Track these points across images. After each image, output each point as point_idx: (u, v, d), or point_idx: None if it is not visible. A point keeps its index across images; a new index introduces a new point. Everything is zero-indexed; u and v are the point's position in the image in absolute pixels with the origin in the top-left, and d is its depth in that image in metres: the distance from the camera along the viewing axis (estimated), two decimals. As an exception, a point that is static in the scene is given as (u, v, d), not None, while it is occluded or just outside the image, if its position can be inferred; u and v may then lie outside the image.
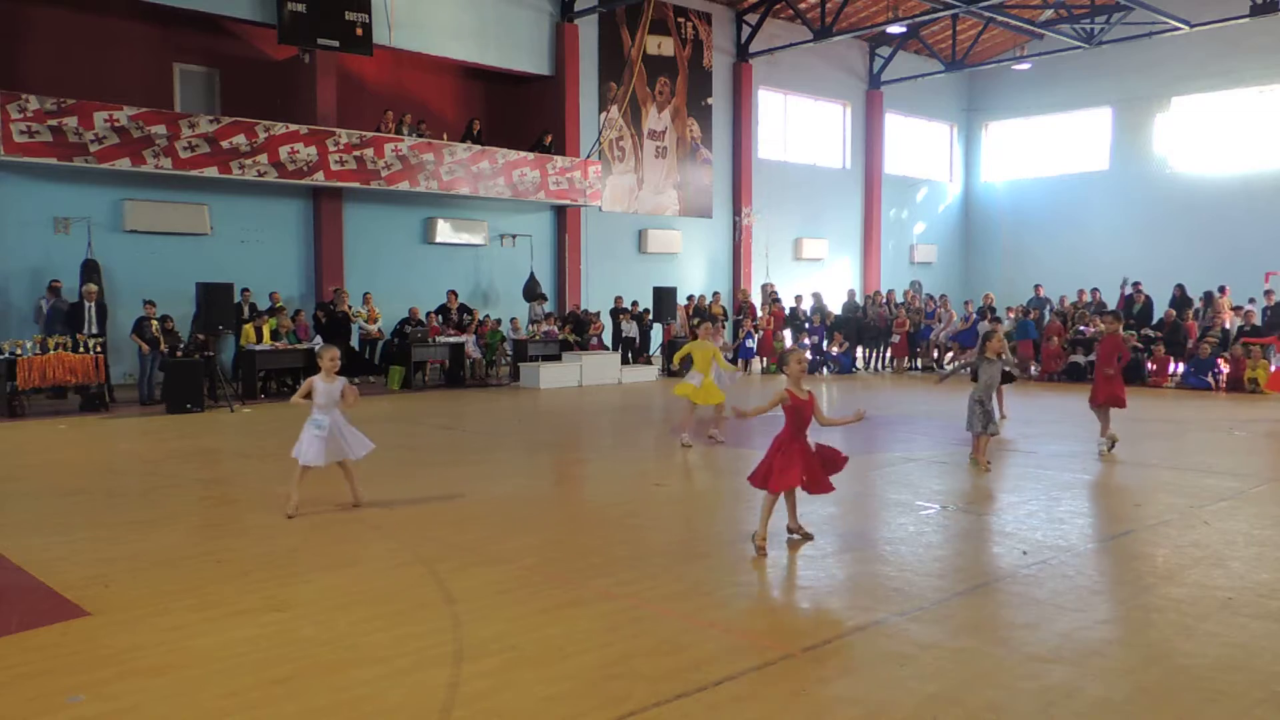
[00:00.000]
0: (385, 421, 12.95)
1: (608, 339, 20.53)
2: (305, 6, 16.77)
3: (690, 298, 21.91)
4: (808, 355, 21.20)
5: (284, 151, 16.95)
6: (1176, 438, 11.12)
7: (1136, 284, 20.33)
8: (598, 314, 20.59)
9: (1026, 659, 4.42)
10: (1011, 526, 6.99)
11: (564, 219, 21.77)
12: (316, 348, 7.19)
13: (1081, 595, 5.34)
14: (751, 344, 20.85)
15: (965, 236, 31.40)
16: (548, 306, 20.62)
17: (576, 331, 19.83)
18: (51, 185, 15.64)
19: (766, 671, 4.30)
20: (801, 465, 6.05)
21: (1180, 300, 19.46)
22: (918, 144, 30.18)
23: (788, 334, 21.76)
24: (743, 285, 24.41)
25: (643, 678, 4.19)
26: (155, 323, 14.67)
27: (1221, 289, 20.46)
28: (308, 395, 7.15)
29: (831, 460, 6.32)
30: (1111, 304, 20.13)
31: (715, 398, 10.46)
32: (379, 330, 18.03)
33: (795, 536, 6.43)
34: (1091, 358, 18.18)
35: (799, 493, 6.36)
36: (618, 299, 20.79)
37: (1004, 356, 9.46)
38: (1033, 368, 18.96)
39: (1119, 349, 10.02)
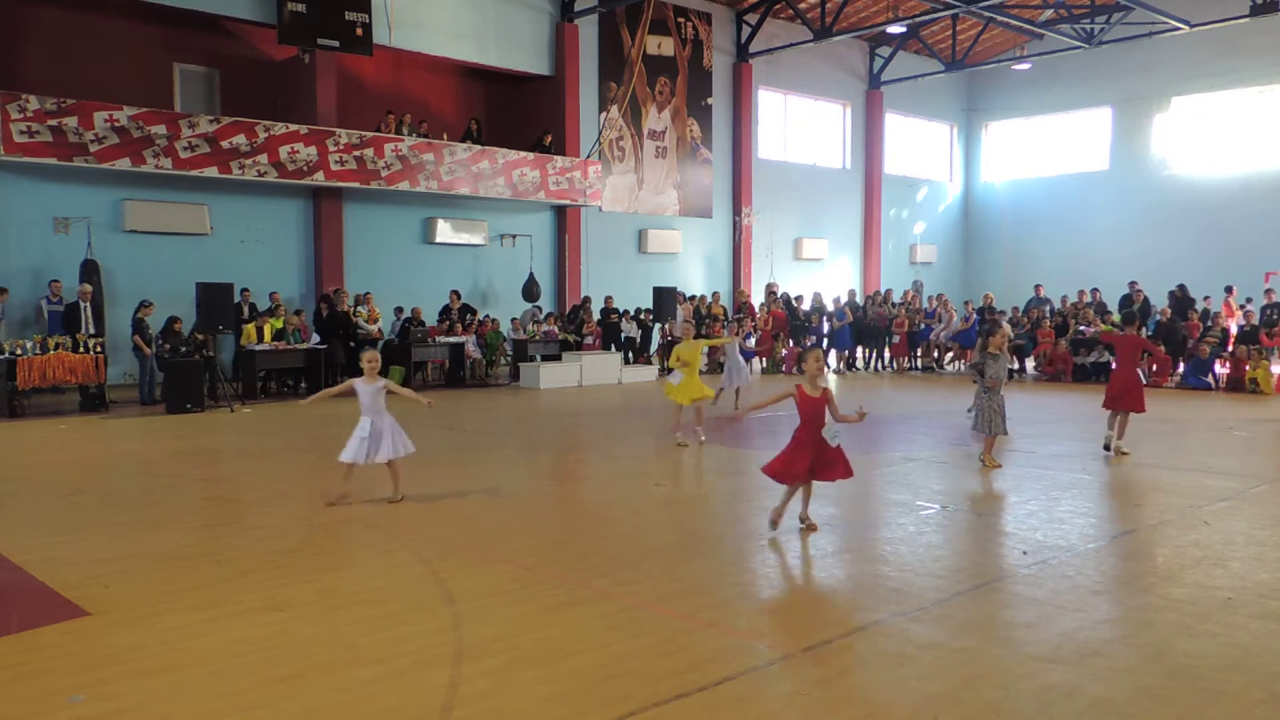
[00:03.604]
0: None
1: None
2: (305, 6, 16.77)
3: (690, 298, 21.89)
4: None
5: (284, 151, 16.95)
6: (1176, 438, 11.11)
7: (1132, 283, 20.32)
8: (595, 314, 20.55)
9: (1026, 659, 4.42)
10: (1011, 526, 6.99)
11: (564, 219, 21.77)
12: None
13: (1081, 595, 5.34)
14: (751, 344, 20.81)
15: (965, 236, 31.40)
16: (545, 307, 20.56)
17: (576, 331, 19.82)
18: (51, 185, 15.64)
19: (766, 671, 4.30)
20: (809, 461, 6.45)
21: (1179, 301, 19.41)
22: (918, 144, 30.17)
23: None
24: (742, 285, 24.40)
25: (643, 678, 4.18)
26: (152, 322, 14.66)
27: (1229, 289, 20.43)
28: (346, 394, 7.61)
29: (834, 464, 6.58)
30: (1113, 305, 20.11)
31: (694, 395, 10.45)
32: (379, 330, 18.02)
33: (802, 526, 6.74)
34: (1094, 358, 18.22)
35: (816, 486, 6.81)
36: (608, 299, 20.72)
37: (1004, 349, 9.54)
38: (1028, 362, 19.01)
39: (1142, 349, 10.55)
